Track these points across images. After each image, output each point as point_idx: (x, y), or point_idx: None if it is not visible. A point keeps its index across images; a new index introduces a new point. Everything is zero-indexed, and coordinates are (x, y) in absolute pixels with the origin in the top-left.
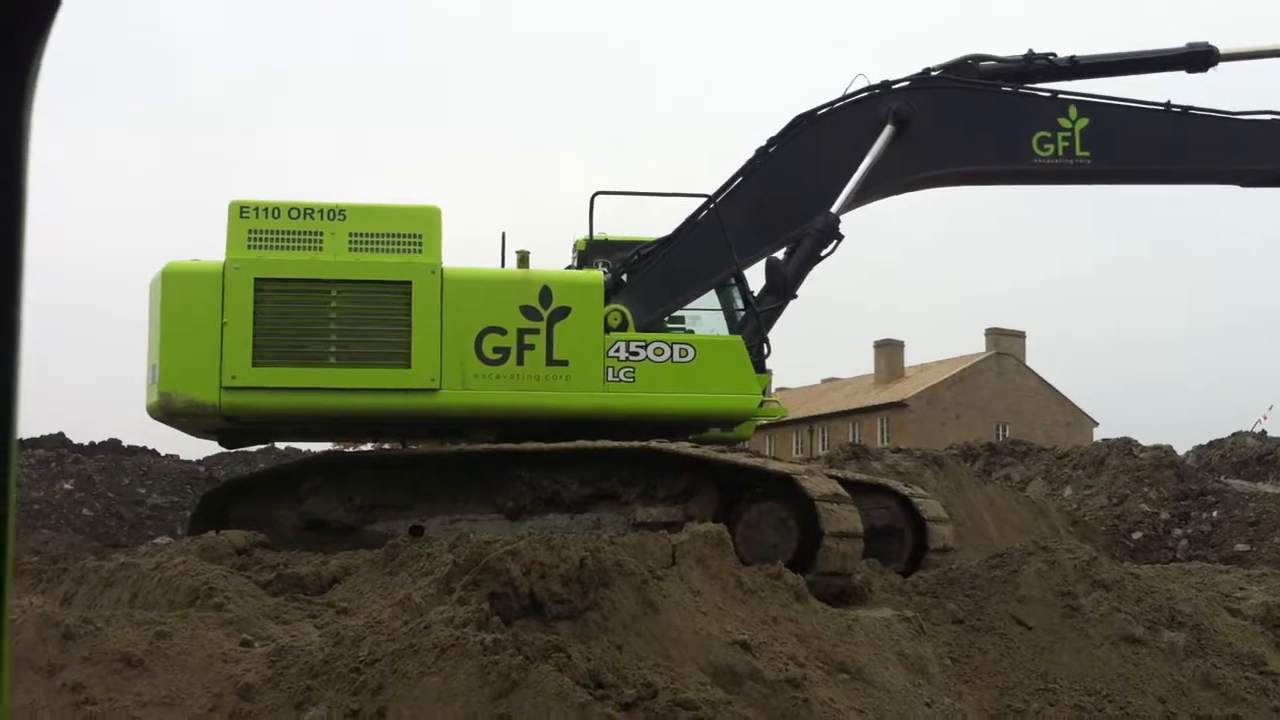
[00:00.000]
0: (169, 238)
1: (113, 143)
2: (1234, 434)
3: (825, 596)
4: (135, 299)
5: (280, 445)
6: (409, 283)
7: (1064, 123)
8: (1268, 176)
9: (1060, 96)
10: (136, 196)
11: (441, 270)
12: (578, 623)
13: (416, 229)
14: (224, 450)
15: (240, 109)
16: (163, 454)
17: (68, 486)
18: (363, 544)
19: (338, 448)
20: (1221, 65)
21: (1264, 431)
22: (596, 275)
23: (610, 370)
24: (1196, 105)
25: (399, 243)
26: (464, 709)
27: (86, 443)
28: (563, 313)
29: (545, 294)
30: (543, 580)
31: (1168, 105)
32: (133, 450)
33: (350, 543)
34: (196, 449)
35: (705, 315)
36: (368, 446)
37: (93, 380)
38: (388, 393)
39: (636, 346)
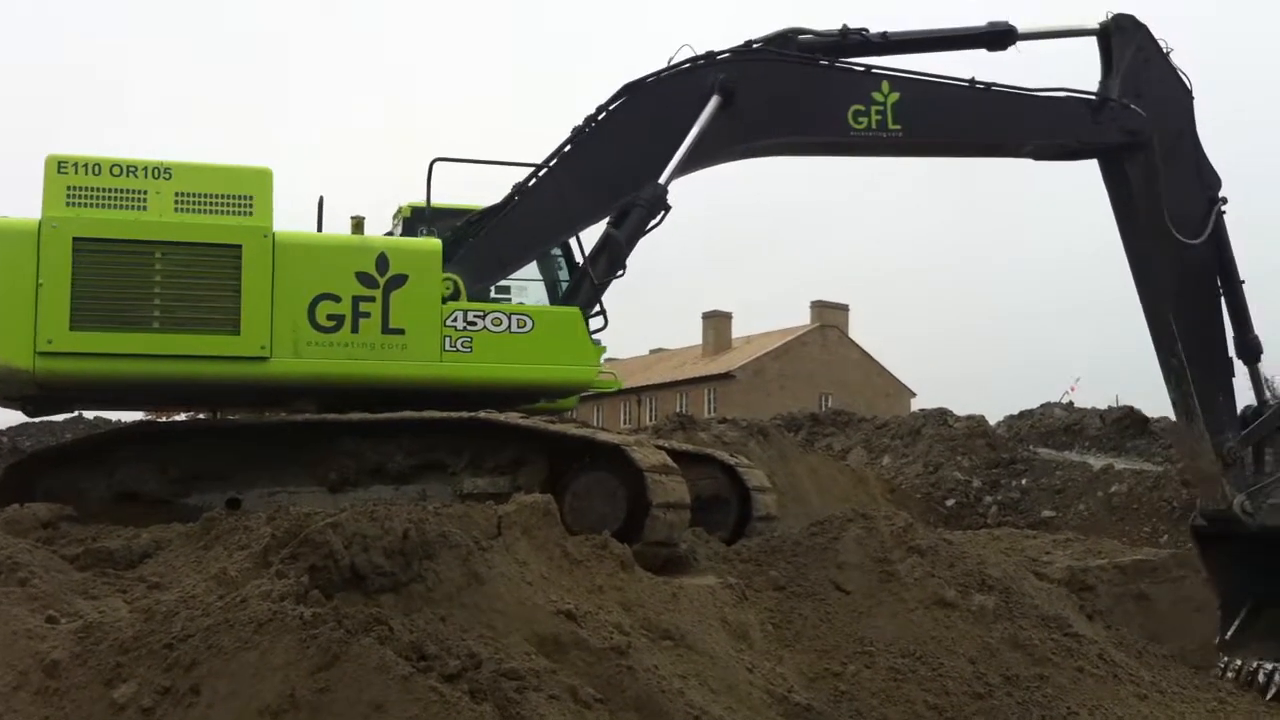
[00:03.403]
0: None
1: None
2: (1043, 405)
3: (651, 566)
4: None
5: (89, 415)
6: (239, 246)
7: (877, 97)
8: (1060, 150)
9: (874, 71)
10: None
11: (274, 234)
12: (401, 595)
13: (247, 190)
14: (28, 420)
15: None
16: None
17: None
18: (177, 517)
19: (150, 417)
20: (1021, 44)
21: (1071, 402)
22: (436, 243)
23: (447, 340)
24: (998, 82)
25: (229, 204)
26: (282, 683)
27: None
28: (400, 280)
29: (382, 261)
30: (365, 553)
31: (972, 81)
32: None
33: (163, 516)
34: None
35: (531, 286)
36: (182, 416)
37: None
38: (215, 360)
39: (474, 316)
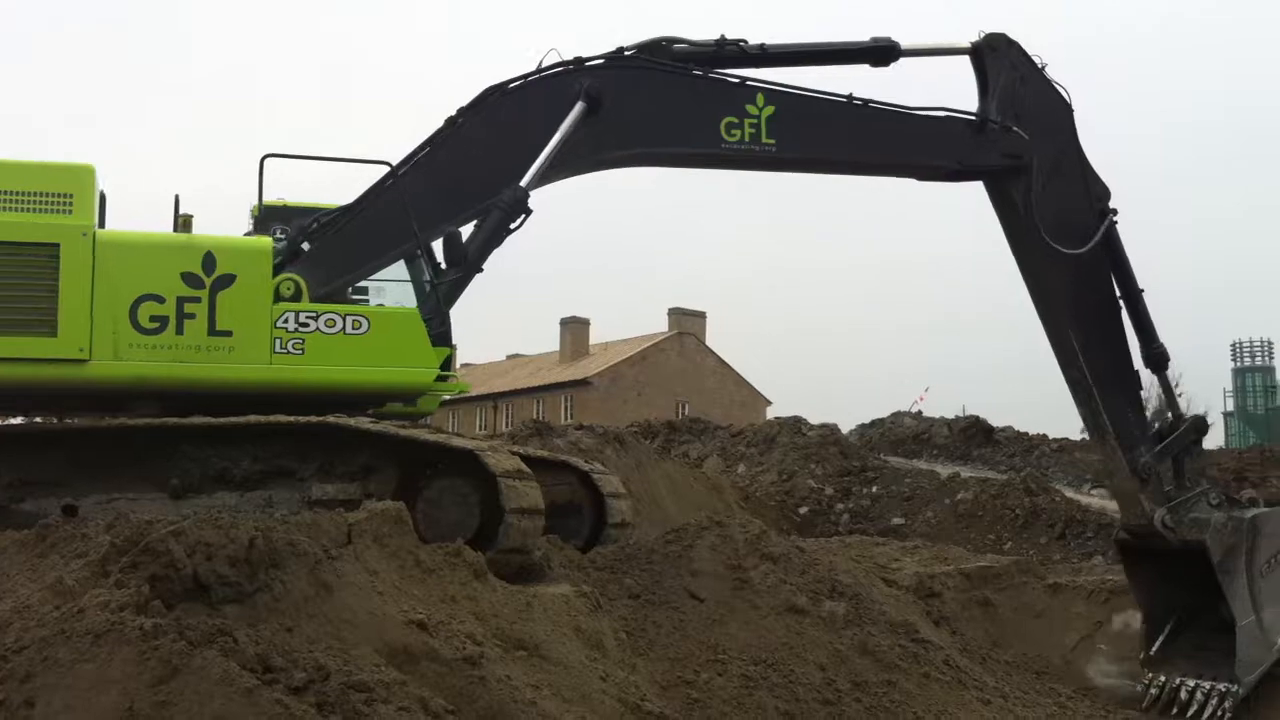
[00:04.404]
0: None
1: None
2: (893, 414)
3: (506, 573)
4: None
5: None
6: (56, 245)
7: (751, 109)
8: (941, 171)
9: (749, 83)
10: None
11: (95, 233)
12: (246, 605)
13: (66, 188)
14: None
15: None
16: None
17: None
18: (10, 524)
19: None
20: (903, 60)
21: (920, 412)
22: (265, 242)
23: (278, 341)
24: (877, 99)
25: (46, 202)
26: (121, 697)
27: None
28: (227, 280)
29: (209, 260)
30: (209, 561)
31: (849, 98)
32: None
33: None
34: None
35: (396, 287)
36: (18, 420)
37: None
38: (31, 363)
39: (307, 317)
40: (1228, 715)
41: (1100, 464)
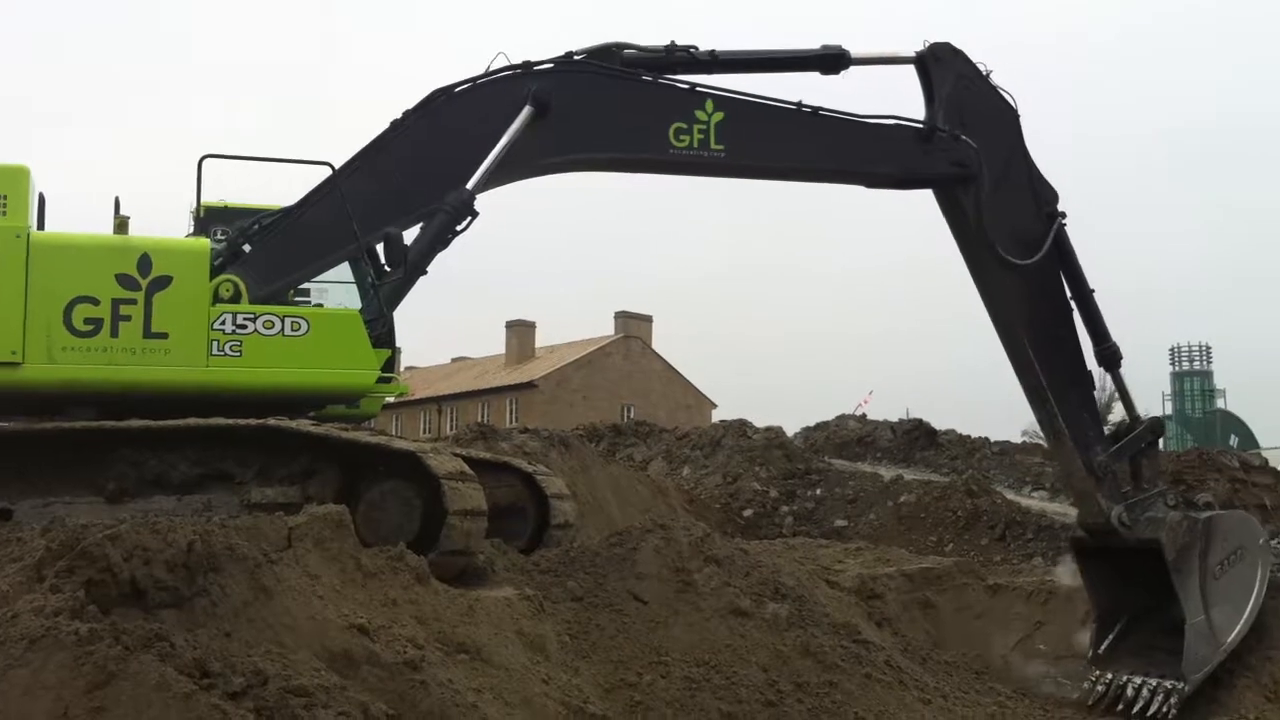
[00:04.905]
0: None
1: None
2: (838, 417)
3: (448, 576)
4: None
5: None
6: None
7: (701, 115)
8: (889, 179)
9: (698, 89)
10: None
11: (29, 234)
12: (184, 610)
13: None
14: None
15: None
16: None
17: None
18: None
19: None
20: (853, 69)
21: (865, 415)
22: (202, 243)
23: (215, 344)
24: (826, 107)
25: None
26: (55, 703)
27: None
28: (163, 282)
29: (145, 262)
30: (146, 566)
31: (799, 104)
32: None
33: None
34: None
35: (339, 289)
36: None
37: None
38: None
39: (245, 319)
40: (1173, 712)
41: (1057, 465)
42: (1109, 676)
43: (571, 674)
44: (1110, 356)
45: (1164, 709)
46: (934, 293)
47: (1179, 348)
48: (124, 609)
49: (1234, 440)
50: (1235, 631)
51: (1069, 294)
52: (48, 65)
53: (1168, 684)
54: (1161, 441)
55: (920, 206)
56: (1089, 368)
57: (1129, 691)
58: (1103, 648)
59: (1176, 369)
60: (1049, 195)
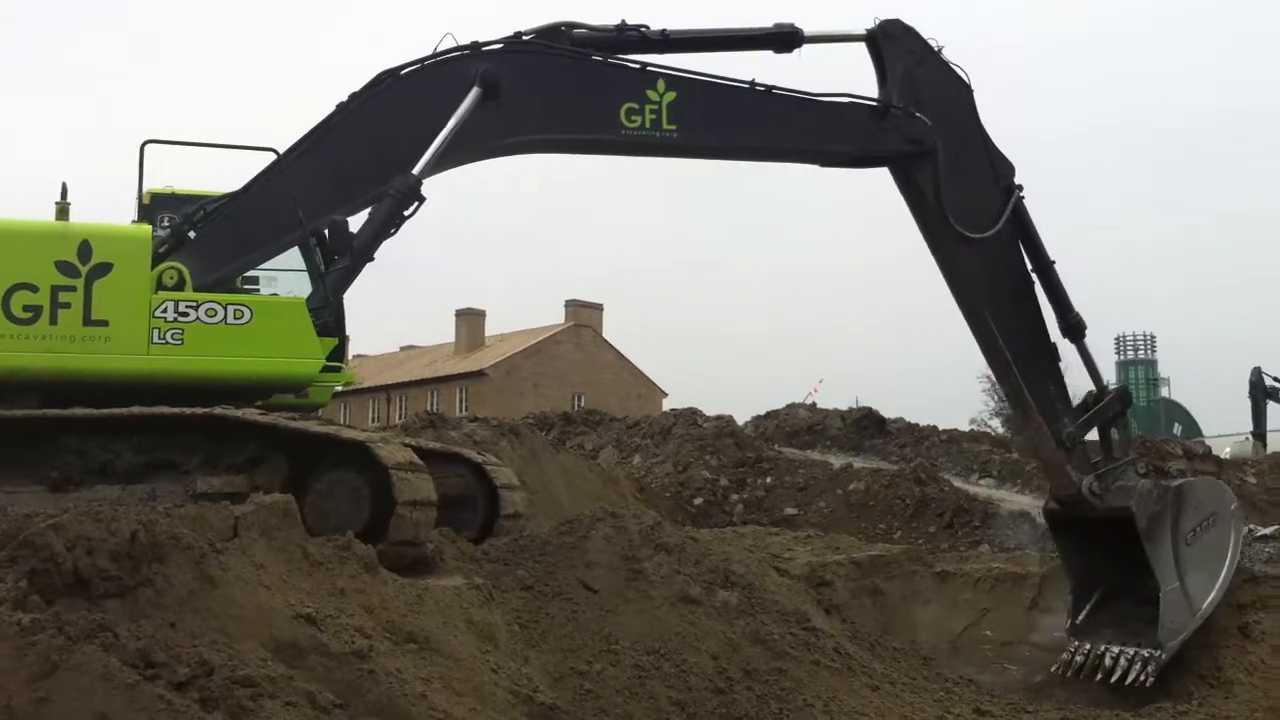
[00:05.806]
0: None
1: None
2: (788, 405)
3: (397, 566)
4: None
5: None
6: None
7: (652, 95)
8: (844, 157)
9: (650, 69)
10: None
11: None
12: (128, 600)
13: None
14: None
15: None
16: None
17: None
18: None
19: None
20: (806, 47)
21: (815, 403)
22: (144, 230)
23: (156, 331)
24: (780, 85)
25: None
26: None
27: None
28: (104, 269)
29: (85, 249)
30: (89, 556)
31: (752, 83)
32: None
33: None
34: None
35: (290, 276)
36: None
37: None
38: None
39: (187, 307)
40: (1150, 680)
41: (1026, 440)
42: (1087, 647)
43: (521, 663)
44: (1075, 328)
45: (1141, 676)
46: (886, 285)
47: (1124, 337)
48: (68, 599)
49: (1178, 429)
50: (1210, 598)
51: (1030, 266)
52: None
53: (1145, 652)
54: None
55: (879, 193)
56: (1053, 340)
57: (1107, 661)
58: (1080, 619)
59: (1122, 358)
60: (1005, 169)
